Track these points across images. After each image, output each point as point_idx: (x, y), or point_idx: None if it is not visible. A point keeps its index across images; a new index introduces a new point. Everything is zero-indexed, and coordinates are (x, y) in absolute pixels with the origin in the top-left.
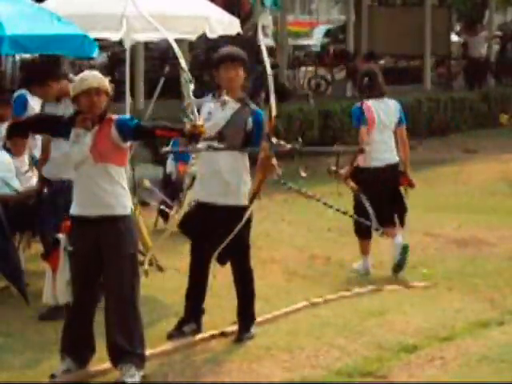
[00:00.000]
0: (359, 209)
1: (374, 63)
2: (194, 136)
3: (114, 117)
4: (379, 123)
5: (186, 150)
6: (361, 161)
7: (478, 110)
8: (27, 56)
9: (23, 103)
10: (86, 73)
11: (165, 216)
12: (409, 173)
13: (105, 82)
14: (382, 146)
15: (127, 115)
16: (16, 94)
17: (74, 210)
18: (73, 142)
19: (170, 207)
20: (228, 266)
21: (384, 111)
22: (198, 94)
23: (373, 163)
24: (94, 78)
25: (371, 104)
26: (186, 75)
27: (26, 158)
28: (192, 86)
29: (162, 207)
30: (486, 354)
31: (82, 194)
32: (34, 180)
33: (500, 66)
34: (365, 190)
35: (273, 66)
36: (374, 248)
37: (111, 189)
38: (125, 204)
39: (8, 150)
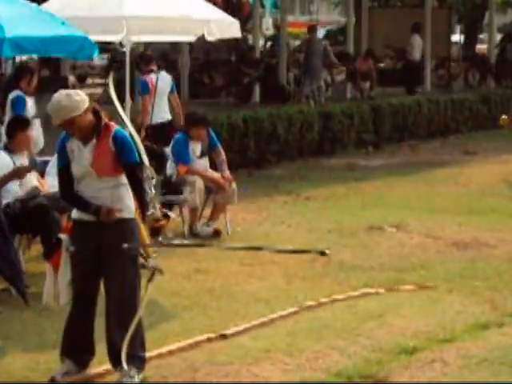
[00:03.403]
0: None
1: (372, 61)
2: (155, 230)
3: (113, 128)
4: (159, 91)
5: (152, 245)
6: (148, 120)
7: (477, 111)
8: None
9: (23, 104)
10: (55, 102)
11: (166, 218)
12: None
13: (77, 108)
14: (161, 107)
15: (128, 135)
16: (14, 95)
17: (76, 214)
18: (70, 157)
19: (170, 209)
20: (227, 269)
21: (162, 81)
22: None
23: (156, 120)
24: (61, 111)
25: (153, 76)
26: (148, 171)
27: (26, 159)
28: (154, 182)
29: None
30: (486, 356)
31: (86, 199)
32: (34, 182)
33: (500, 67)
34: (156, 142)
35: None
36: (374, 250)
37: (116, 194)
38: (129, 206)
39: (8, 150)
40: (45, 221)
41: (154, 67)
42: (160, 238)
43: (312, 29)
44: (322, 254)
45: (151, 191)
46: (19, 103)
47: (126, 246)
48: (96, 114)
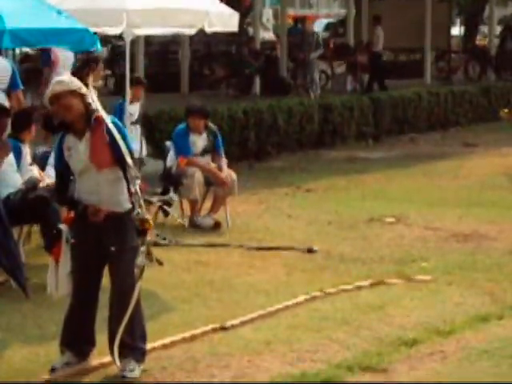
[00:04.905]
0: None
1: (371, 53)
2: (142, 231)
3: (104, 119)
4: (60, 64)
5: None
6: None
7: (478, 103)
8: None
9: None
10: (55, 80)
11: (165, 211)
12: None
13: (71, 84)
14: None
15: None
16: None
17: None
18: (67, 156)
19: (170, 204)
20: (228, 260)
21: (64, 56)
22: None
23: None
24: (57, 85)
25: (56, 50)
26: (132, 171)
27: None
28: (139, 181)
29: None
30: (485, 348)
31: (86, 194)
32: (35, 173)
33: (500, 59)
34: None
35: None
36: (374, 242)
37: (117, 186)
38: (129, 198)
39: (18, 140)
40: (45, 213)
41: None
42: (149, 238)
43: (296, 22)
44: (310, 251)
45: (136, 192)
46: None
47: (113, 249)
48: (87, 107)
